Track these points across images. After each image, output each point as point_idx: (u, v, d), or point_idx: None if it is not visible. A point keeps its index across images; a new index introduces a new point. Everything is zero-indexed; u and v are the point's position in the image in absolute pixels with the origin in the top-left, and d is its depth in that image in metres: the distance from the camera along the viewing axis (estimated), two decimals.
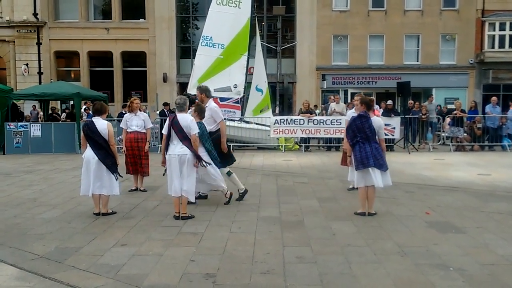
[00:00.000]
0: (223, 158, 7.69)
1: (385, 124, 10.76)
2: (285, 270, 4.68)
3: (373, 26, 28.71)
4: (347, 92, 28.76)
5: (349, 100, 25.40)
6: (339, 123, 15.42)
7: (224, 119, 8.59)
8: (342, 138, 11.22)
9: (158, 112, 20.55)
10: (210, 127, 7.62)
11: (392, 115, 16.21)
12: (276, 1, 28.20)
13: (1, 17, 26.93)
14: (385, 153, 6.94)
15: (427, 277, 4.49)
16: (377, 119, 6.98)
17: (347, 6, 28.91)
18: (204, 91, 7.93)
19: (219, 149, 7.57)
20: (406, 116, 16.75)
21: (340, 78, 29.04)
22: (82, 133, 6.92)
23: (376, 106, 16.42)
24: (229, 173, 7.95)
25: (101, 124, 6.85)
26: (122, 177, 7.21)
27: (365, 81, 29.03)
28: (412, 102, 18.40)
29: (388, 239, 5.72)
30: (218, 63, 17.34)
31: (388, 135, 14.60)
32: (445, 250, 5.29)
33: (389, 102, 17.22)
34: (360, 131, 6.75)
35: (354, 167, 6.92)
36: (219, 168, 7.47)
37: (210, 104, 7.81)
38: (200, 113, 7.29)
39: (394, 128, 15.79)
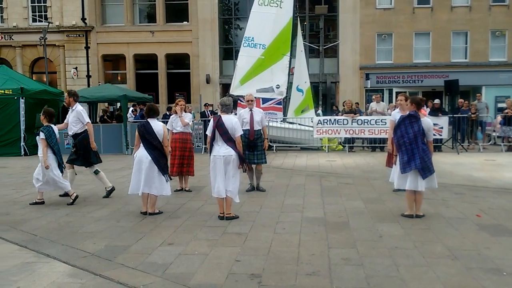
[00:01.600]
0: (92, 157, 8.50)
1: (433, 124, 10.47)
2: (331, 272, 4.63)
3: (419, 24, 28.04)
4: (392, 92, 28.22)
5: (393, 99, 24.98)
6: (384, 123, 15.14)
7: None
8: (387, 139, 10.99)
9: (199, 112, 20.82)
10: (76, 128, 8.45)
11: (440, 114, 15.77)
12: (319, 0, 27.99)
13: (51, 23, 27.93)
14: (432, 155, 6.73)
15: (479, 281, 4.33)
16: (427, 120, 6.75)
17: (391, 4, 28.37)
18: (72, 95, 8.61)
19: (88, 147, 8.38)
20: (454, 115, 16.26)
21: (385, 77, 28.51)
22: (136, 133, 7.06)
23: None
24: (96, 172, 8.53)
25: (157, 125, 7.03)
26: (171, 179, 7.36)
27: (411, 80, 28.40)
28: (462, 101, 17.87)
29: (438, 242, 5.56)
30: (260, 64, 17.37)
31: (435, 135, 14.22)
32: (498, 254, 5.09)
33: (436, 101, 16.78)
34: (408, 131, 6.55)
35: (399, 168, 6.76)
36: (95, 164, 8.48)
37: (77, 108, 8.49)
38: (48, 116, 7.97)
39: (441, 127, 15.35)
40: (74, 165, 8.71)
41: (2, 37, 29.48)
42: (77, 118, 8.44)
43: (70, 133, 8.59)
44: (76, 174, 8.96)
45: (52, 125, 7.97)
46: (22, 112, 16.32)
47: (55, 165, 7.85)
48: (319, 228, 6.22)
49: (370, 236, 5.85)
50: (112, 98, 18.56)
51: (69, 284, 4.46)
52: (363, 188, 9.19)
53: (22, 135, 16.44)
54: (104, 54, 29.94)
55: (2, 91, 16.24)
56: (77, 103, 8.62)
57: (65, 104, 9.48)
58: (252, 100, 8.86)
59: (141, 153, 6.96)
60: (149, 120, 7.11)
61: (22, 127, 16.39)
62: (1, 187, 10.07)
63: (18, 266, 4.92)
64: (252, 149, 8.56)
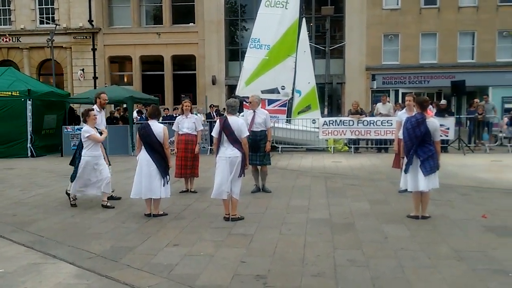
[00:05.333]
0: None
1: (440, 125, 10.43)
2: (336, 273, 4.63)
3: (426, 24, 27.94)
4: (398, 92, 28.13)
5: (400, 100, 24.88)
6: (390, 124, 15.09)
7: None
8: (393, 140, 10.96)
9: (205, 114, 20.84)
10: None
11: (446, 115, 15.70)
12: (325, 1, 27.96)
13: (59, 24, 28.09)
14: (440, 156, 6.70)
15: (486, 283, 4.32)
16: (433, 121, 6.70)
17: (398, 4, 28.29)
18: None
19: None
20: (460, 116, 16.20)
21: (391, 78, 28.43)
22: (137, 136, 7.10)
23: (429, 106, 15.98)
24: None
25: (157, 127, 7.03)
26: (168, 180, 7.31)
27: (417, 81, 28.30)
28: (477, 101, 17.90)
29: (443, 243, 5.54)
30: (264, 64, 17.38)
31: (442, 136, 14.15)
32: (505, 255, 5.07)
33: (443, 101, 16.72)
34: (414, 132, 6.53)
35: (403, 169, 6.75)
36: None
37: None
38: None
39: (448, 128, 15.28)
40: None
41: (10, 39, 29.67)
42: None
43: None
44: None
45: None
46: (29, 114, 16.40)
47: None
48: (324, 229, 6.22)
49: (375, 238, 5.84)
50: (118, 99, 18.60)
51: (75, 285, 4.49)
52: (369, 189, 9.17)
53: (29, 137, 16.52)
54: (111, 55, 30.05)
55: (10, 93, 16.34)
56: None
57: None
58: (252, 102, 8.83)
59: (142, 156, 6.99)
60: (149, 122, 7.12)
61: (29, 128, 16.48)
62: (9, 188, 10.12)
63: (25, 267, 4.95)
64: (255, 150, 8.55)
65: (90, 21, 29.37)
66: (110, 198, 8.06)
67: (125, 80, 31.13)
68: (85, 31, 29.53)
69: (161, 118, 7.47)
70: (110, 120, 19.90)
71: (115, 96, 18.23)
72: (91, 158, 7.63)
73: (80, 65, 29.70)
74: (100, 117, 8.24)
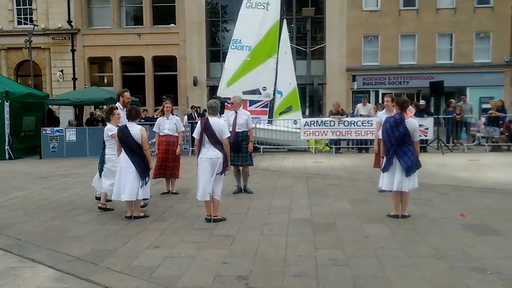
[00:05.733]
0: None
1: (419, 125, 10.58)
2: (318, 272, 4.66)
3: (405, 26, 28.30)
4: (378, 93, 28.44)
5: (380, 101, 25.12)
6: (370, 124, 15.24)
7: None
8: (374, 140, 11.06)
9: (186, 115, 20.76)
10: None
11: (425, 115, 15.91)
12: (305, 3, 28.11)
13: (37, 25, 27.71)
14: (419, 155, 6.79)
15: (464, 280, 4.39)
16: (412, 121, 6.77)
17: (377, 6, 28.61)
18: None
19: None
20: (439, 116, 16.44)
21: (371, 78, 28.73)
22: (116, 138, 7.04)
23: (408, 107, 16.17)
24: None
25: (135, 129, 6.95)
26: (148, 180, 7.25)
27: (397, 81, 28.64)
28: (452, 101, 18.21)
29: (423, 241, 5.62)
30: (245, 65, 17.39)
31: (421, 136, 14.34)
32: (482, 253, 5.16)
33: (422, 102, 16.94)
34: (393, 133, 6.60)
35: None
36: None
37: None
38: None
39: (427, 128, 15.49)
40: None
41: None
42: None
43: None
44: None
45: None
46: (7, 116, 16.13)
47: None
48: (306, 229, 6.25)
49: (356, 237, 5.89)
50: (98, 101, 18.43)
51: None
52: (350, 189, 9.24)
53: (7, 139, 16.25)
54: (91, 56, 29.76)
55: None
56: None
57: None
58: (234, 103, 8.85)
59: (122, 158, 6.94)
60: (128, 124, 7.05)
61: (7, 130, 16.20)
62: None
63: (2, 271, 4.87)
64: (237, 151, 8.57)
65: (69, 21, 29.04)
66: (109, 201, 7.88)
67: (105, 81, 30.85)
68: (64, 32, 29.19)
69: (140, 119, 7.32)
70: (91, 122, 19.74)
71: (95, 97, 18.09)
72: (115, 157, 7.34)
73: (59, 66, 29.34)
74: (123, 115, 8.08)
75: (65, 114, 24.14)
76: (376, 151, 8.73)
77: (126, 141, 6.89)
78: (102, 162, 7.64)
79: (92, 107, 23.34)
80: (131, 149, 6.89)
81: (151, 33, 29.08)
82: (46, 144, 16.53)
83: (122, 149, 6.95)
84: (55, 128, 17.29)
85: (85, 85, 28.58)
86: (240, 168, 8.87)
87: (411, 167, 6.55)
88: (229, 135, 6.86)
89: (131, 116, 7.08)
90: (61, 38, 29.30)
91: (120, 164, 6.93)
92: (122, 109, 8.00)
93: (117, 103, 8.23)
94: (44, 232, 6.44)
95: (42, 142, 16.55)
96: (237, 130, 8.59)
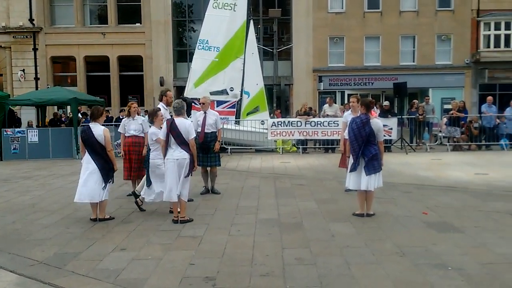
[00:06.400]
0: None
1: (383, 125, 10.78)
2: (285, 272, 4.69)
3: (369, 28, 28.76)
4: (344, 94, 28.77)
5: (345, 101, 25.47)
6: (336, 125, 15.42)
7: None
8: (340, 140, 11.21)
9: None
10: None
11: (389, 116, 16.23)
12: (272, 4, 28.23)
13: None
14: (383, 155, 6.93)
15: (426, 277, 4.50)
16: (377, 121, 6.89)
17: (342, 8, 28.97)
18: None
19: None
20: (402, 116, 16.80)
21: (337, 79, 29.07)
22: (80, 139, 6.91)
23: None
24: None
25: (98, 129, 6.83)
26: (113, 182, 7.15)
27: (362, 82, 29.08)
28: (415, 101, 18.65)
29: (387, 239, 5.73)
30: (214, 66, 17.38)
31: (385, 136, 14.63)
32: (444, 249, 5.30)
33: (386, 103, 17.27)
34: (360, 133, 6.70)
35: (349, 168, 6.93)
36: None
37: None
38: None
39: (391, 129, 15.81)
40: None
41: None
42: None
43: None
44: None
45: None
46: None
47: None
48: (273, 229, 6.28)
49: (323, 236, 5.96)
50: (61, 101, 18.01)
51: None
52: (316, 189, 9.34)
53: None
54: (53, 56, 29.03)
55: None
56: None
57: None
58: (205, 103, 8.85)
59: (86, 159, 6.84)
60: (91, 124, 6.93)
61: None
62: None
63: None
64: (205, 151, 8.56)
65: (31, 20, 28.25)
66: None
67: (69, 81, 30.15)
68: (25, 30, 28.38)
69: (103, 119, 7.19)
70: (54, 122, 19.30)
71: (58, 97, 17.66)
72: (161, 161, 7.09)
73: (21, 66, 28.52)
74: (167, 114, 7.86)
75: (27, 115, 23.56)
76: (342, 151, 8.83)
77: (89, 142, 6.78)
78: (147, 167, 7.40)
79: (56, 107, 22.81)
80: (94, 150, 6.77)
81: (116, 32, 28.59)
82: (7, 146, 16.06)
83: (85, 150, 6.83)
84: (17, 129, 16.82)
85: (47, 85, 27.87)
86: (208, 168, 8.85)
87: (373, 167, 6.65)
88: (195, 135, 6.83)
89: (94, 117, 6.95)
90: (22, 36, 28.48)
91: (84, 165, 6.82)
92: (166, 109, 7.98)
93: (160, 102, 8.13)
94: (5, 235, 6.26)
95: (3, 143, 16.05)
96: (206, 131, 8.57)
